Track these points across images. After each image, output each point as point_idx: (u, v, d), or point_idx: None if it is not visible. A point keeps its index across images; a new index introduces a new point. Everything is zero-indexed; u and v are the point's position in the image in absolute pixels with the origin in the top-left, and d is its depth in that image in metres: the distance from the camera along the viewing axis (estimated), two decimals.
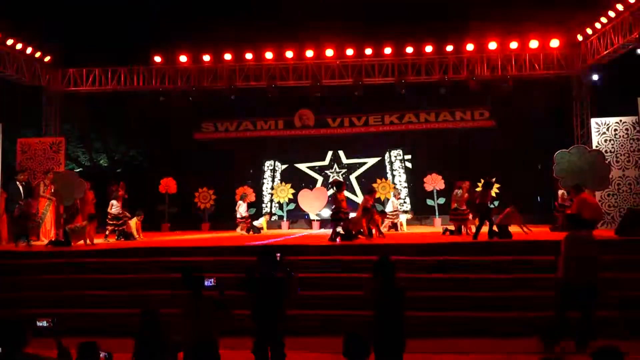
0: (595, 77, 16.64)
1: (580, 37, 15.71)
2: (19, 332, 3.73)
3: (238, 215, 16.05)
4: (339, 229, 11.72)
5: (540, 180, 16.88)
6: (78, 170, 19.32)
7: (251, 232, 15.80)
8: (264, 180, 20.29)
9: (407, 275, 8.29)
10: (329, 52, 16.70)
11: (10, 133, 15.40)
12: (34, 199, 12.80)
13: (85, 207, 14.84)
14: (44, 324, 4.17)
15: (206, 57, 17.11)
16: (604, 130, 14.01)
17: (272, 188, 19.69)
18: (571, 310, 6.91)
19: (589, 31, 15.19)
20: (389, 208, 15.90)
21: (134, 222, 13.54)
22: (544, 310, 7.28)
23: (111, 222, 13.62)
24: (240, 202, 16.17)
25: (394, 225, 15.79)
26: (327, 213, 15.73)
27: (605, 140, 13.95)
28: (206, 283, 4.99)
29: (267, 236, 14.41)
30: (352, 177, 20.41)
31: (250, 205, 18.00)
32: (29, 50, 15.64)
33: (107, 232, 13.62)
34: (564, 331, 6.91)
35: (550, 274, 7.39)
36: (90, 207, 15.24)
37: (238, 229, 16.06)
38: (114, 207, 13.59)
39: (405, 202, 19.26)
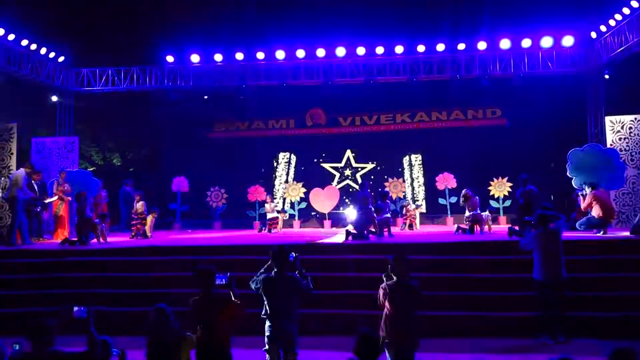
0: (609, 74, 16.43)
1: (594, 35, 15.53)
2: (47, 329, 3.84)
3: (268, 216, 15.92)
4: (351, 228, 11.72)
5: (554, 179, 16.69)
6: (91, 169, 19.43)
7: (264, 230, 15.75)
8: (276, 174, 20.25)
9: (421, 275, 8.23)
10: (340, 51, 16.66)
11: (24, 133, 15.58)
12: (51, 198, 12.83)
13: (97, 206, 14.97)
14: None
15: (218, 57, 17.16)
16: (618, 129, 13.85)
17: (287, 181, 19.68)
18: (551, 308, 7.21)
19: (603, 28, 15.00)
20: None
21: (148, 220, 13.60)
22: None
23: (135, 221, 13.66)
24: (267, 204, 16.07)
25: (410, 225, 15.75)
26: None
27: (620, 139, 13.78)
28: (218, 281, 4.98)
29: (279, 235, 14.39)
30: (363, 176, 20.32)
31: (261, 204, 18.01)
32: (43, 50, 15.79)
33: (133, 232, 13.68)
34: (546, 328, 7.06)
35: (571, 273, 7.45)
36: (102, 206, 15.38)
37: (264, 229, 15.94)
38: (139, 203, 13.61)
39: (417, 200, 19.18)
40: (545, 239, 7.38)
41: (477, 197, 13.30)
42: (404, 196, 18.03)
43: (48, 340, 4.01)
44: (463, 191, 13.40)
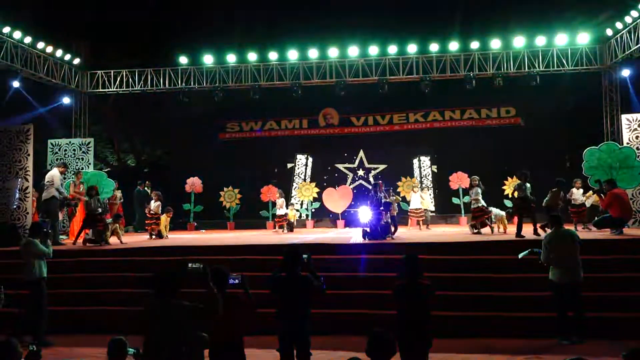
0: (625, 72, 16.24)
1: (609, 32, 15.36)
2: (173, 282, 4.35)
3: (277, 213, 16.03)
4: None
5: (570, 179, 16.52)
6: (106, 170, 19.63)
7: (285, 230, 15.85)
8: (295, 177, 20.31)
9: (433, 275, 8.21)
10: (353, 51, 16.67)
11: (41, 134, 15.76)
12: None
13: (112, 207, 15.13)
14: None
15: (231, 58, 17.27)
16: (635, 127, 13.67)
17: (305, 180, 19.76)
18: (567, 309, 7.15)
19: (619, 25, 14.83)
20: (413, 205, 15.80)
21: (163, 219, 13.72)
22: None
23: (149, 221, 13.81)
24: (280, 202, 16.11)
25: (419, 224, 15.67)
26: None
27: (637, 137, 13.60)
28: (231, 281, 5.01)
29: (291, 237, 14.42)
30: (376, 175, 20.28)
31: (274, 204, 18.06)
32: (59, 52, 15.99)
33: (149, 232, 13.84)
34: (563, 329, 7.06)
35: (588, 274, 7.40)
36: (118, 206, 15.54)
37: (276, 228, 16.07)
38: (153, 204, 13.77)
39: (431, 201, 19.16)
40: (560, 240, 7.30)
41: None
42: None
43: (173, 292, 4.35)
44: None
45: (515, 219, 11.02)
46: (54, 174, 12.23)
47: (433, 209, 17.38)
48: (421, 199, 15.80)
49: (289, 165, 20.66)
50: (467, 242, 10.59)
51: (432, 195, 18.85)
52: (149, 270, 9.77)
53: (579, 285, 7.17)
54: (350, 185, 19.76)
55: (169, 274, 4.52)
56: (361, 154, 20.59)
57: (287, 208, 16.12)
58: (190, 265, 4.95)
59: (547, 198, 12.08)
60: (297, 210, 17.29)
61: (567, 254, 7.22)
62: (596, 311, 7.54)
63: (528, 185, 11.02)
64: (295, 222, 16.87)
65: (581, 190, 13.28)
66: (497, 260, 9.20)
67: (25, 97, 17.17)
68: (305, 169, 20.48)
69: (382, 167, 20.37)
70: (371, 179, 19.67)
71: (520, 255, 8.03)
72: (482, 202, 12.69)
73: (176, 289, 4.40)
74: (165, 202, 14.22)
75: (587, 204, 13.39)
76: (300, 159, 20.62)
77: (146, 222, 14.02)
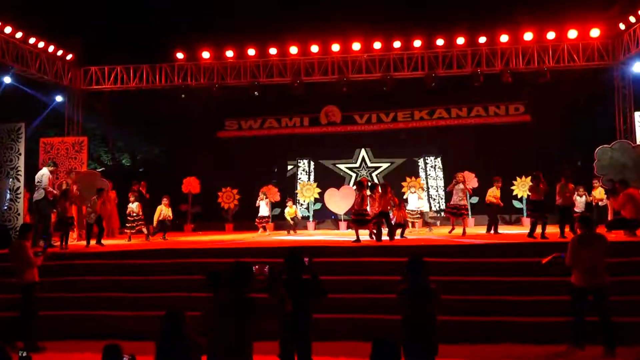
0: (638, 67, 16.17)
1: (622, 26, 15.30)
2: (248, 274, 4.49)
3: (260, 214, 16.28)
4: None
5: (581, 178, 16.48)
6: (100, 169, 19.62)
7: (267, 232, 16.03)
8: (298, 180, 20.31)
9: (438, 278, 8.18)
10: (356, 46, 16.62)
11: (32, 132, 15.75)
12: (67, 200, 12.92)
13: (107, 207, 15.09)
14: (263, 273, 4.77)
15: (229, 53, 17.24)
16: None
17: (308, 180, 19.79)
18: (588, 315, 6.98)
19: (632, 19, 14.78)
20: (410, 206, 15.82)
21: (159, 210, 13.87)
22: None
23: (130, 224, 13.86)
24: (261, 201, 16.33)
25: (415, 226, 15.75)
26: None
27: None
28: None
29: (291, 240, 14.42)
30: (380, 175, 20.26)
31: (275, 205, 18.06)
32: (51, 48, 15.97)
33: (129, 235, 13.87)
34: (582, 336, 6.87)
35: None
36: (112, 207, 15.51)
37: (259, 232, 16.22)
38: (132, 205, 13.85)
39: (437, 202, 19.11)
40: (587, 242, 7.11)
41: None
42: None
43: (245, 286, 4.46)
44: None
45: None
46: (42, 173, 12.25)
47: (428, 209, 17.30)
48: (419, 198, 15.91)
49: (289, 171, 20.61)
50: (475, 245, 10.56)
51: (426, 195, 18.79)
52: (145, 274, 9.82)
53: (605, 289, 6.95)
54: (352, 185, 19.71)
55: (244, 265, 4.64)
56: (363, 152, 20.57)
57: (290, 206, 16.47)
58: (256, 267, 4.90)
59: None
60: (290, 199, 17.38)
61: (594, 257, 6.98)
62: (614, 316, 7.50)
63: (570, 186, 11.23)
64: (298, 220, 16.98)
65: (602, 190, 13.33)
66: (506, 264, 9.18)
67: (17, 94, 17.14)
68: (309, 175, 20.43)
69: (385, 166, 20.35)
70: (375, 179, 19.66)
71: (543, 261, 7.90)
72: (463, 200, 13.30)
73: (248, 282, 4.52)
74: (158, 204, 14.29)
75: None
76: (302, 160, 20.59)
77: (127, 225, 13.97)
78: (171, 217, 14.60)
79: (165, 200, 14.38)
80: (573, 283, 7.10)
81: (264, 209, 16.37)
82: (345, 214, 17.93)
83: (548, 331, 7.54)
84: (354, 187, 13.14)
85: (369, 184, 13.13)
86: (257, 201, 16.40)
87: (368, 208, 12.06)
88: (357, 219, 11.96)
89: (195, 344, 4.71)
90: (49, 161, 13.33)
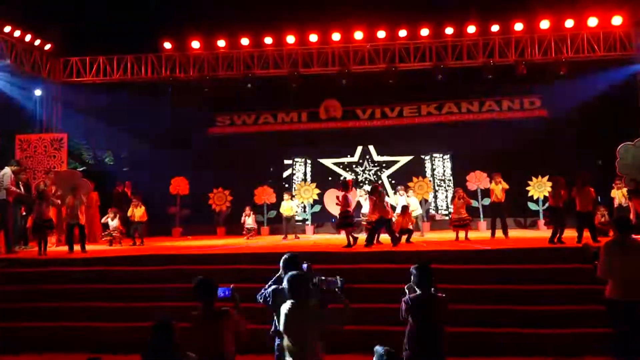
0: None
1: None
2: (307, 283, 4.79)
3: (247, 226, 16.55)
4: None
5: (601, 178, 16.51)
6: (81, 169, 19.63)
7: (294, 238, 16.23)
8: (294, 180, 20.32)
9: (446, 286, 8.21)
10: (358, 35, 16.63)
11: (7, 129, 15.75)
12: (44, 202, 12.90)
13: (89, 210, 15.12)
14: (224, 293, 5.03)
15: (221, 43, 17.22)
16: None
17: (304, 181, 19.81)
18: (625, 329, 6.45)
19: None
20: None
21: (130, 211, 14.12)
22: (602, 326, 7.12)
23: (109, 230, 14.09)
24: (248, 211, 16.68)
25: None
26: None
27: None
28: (220, 294, 5.01)
29: (289, 245, 14.46)
30: (384, 176, 20.29)
31: (270, 208, 18.11)
32: (27, 37, 15.99)
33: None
34: (619, 351, 6.66)
35: None
36: (94, 209, 15.53)
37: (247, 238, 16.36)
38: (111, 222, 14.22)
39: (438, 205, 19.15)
40: (624, 248, 6.49)
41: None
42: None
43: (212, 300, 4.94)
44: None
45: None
46: (4, 172, 12.30)
47: (420, 212, 17.24)
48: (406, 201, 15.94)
49: (287, 171, 20.63)
50: (485, 250, 10.59)
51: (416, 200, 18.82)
52: (127, 282, 9.84)
53: None
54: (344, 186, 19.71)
55: (206, 280, 5.02)
56: (367, 150, 20.56)
57: (287, 200, 16.63)
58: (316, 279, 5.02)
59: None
60: (288, 192, 17.45)
61: (632, 265, 6.34)
62: None
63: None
64: (294, 221, 17.05)
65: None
66: (518, 271, 9.21)
67: None
68: (305, 175, 20.45)
69: (390, 164, 20.37)
70: (385, 180, 19.73)
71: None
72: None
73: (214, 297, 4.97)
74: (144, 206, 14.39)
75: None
76: (298, 163, 20.61)
77: (105, 232, 14.18)
78: (144, 218, 14.68)
79: (134, 201, 14.48)
80: (610, 298, 6.41)
81: (249, 222, 16.65)
82: None
83: (566, 343, 7.56)
84: (340, 187, 13.24)
85: (371, 186, 13.27)
86: (242, 217, 16.61)
87: (350, 209, 12.54)
88: (340, 222, 12.43)
89: (187, 357, 4.73)
90: (12, 160, 13.35)
